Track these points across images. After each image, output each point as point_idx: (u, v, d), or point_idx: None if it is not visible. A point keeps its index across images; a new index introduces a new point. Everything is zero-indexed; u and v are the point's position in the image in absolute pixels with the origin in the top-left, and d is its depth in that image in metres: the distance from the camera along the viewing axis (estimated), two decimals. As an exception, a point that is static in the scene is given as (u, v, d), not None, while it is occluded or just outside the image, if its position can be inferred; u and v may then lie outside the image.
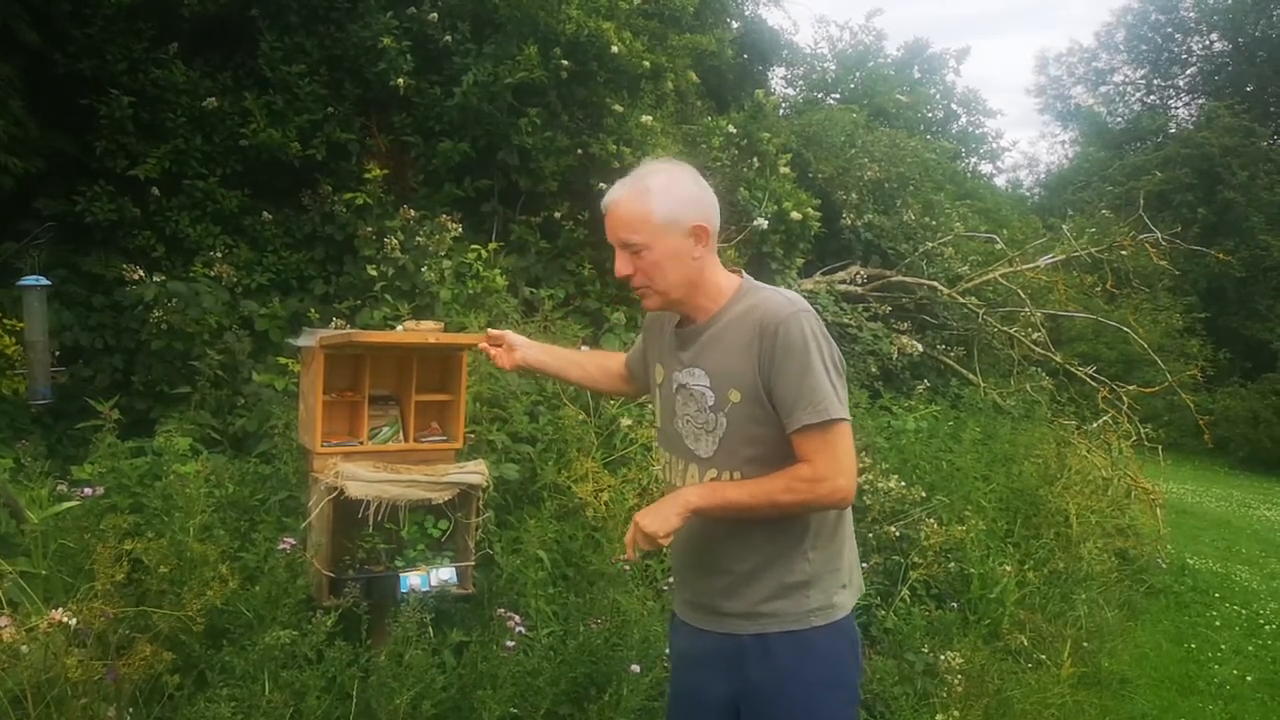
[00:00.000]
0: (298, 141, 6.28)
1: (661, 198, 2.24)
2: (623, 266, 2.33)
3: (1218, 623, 6.85)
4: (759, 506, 2.18)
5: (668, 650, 2.81)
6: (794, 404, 2.13)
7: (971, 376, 9.70)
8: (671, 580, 2.84)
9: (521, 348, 2.75)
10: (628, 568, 4.09)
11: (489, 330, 2.81)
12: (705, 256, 2.31)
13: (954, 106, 25.10)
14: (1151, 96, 35.04)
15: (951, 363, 10.14)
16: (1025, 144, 68.80)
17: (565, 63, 6.74)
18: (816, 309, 8.47)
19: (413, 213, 6.28)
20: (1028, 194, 34.06)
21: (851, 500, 2.20)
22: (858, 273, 10.44)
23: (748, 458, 2.23)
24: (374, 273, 5.95)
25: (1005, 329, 10.30)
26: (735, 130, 8.89)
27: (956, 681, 4.55)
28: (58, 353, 5.16)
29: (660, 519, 2.17)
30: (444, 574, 3.44)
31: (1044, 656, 5.39)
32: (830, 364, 2.17)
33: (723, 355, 2.25)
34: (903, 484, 5.67)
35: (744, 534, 2.28)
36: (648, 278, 2.30)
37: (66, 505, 3.25)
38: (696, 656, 2.44)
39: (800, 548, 2.27)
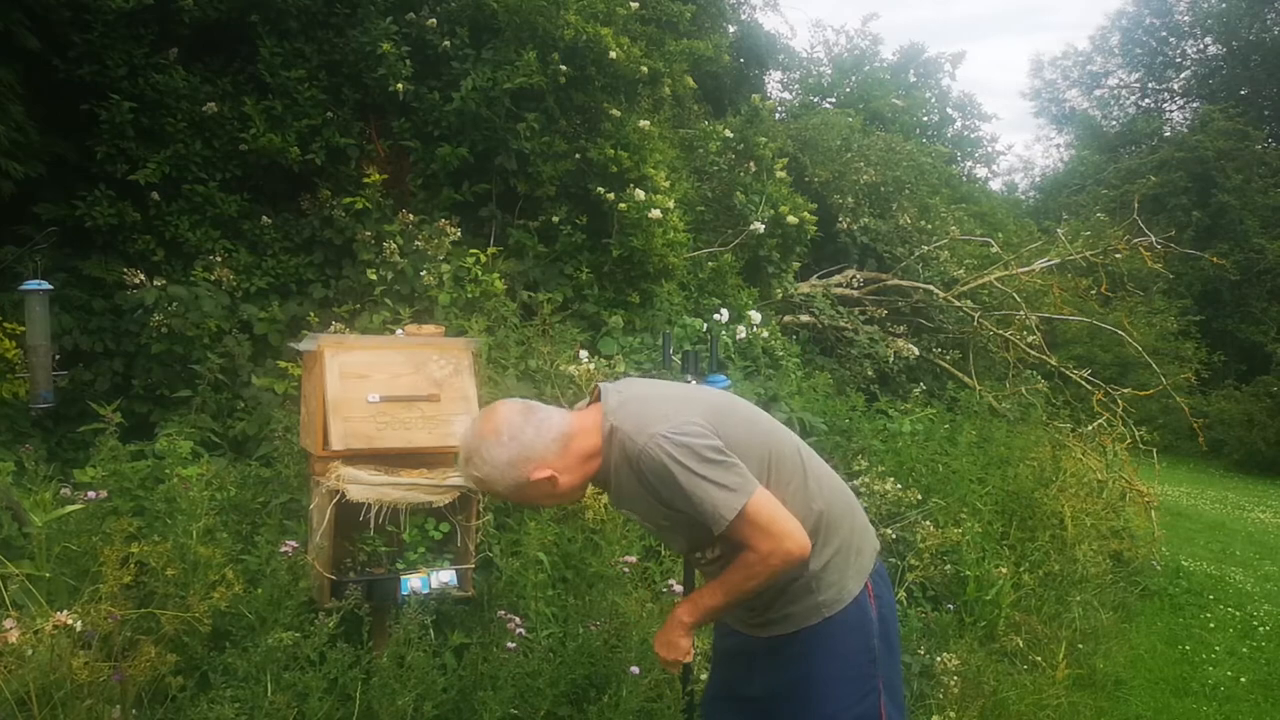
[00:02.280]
0: (297, 146, 6.30)
1: (489, 453, 2.30)
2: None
3: (1212, 625, 6.88)
4: (735, 599, 2.35)
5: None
6: (703, 516, 2.22)
7: (967, 379, 9.74)
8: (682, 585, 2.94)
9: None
10: (626, 570, 4.12)
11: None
12: (565, 470, 2.34)
13: (949, 110, 25.08)
14: (1146, 100, 35.16)
15: (947, 366, 10.18)
16: (1020, 148, 68.84)
17: (563, 68, 6.77)
18: (813, 312, 8.40)
19: (411, 217, 6.30)
20: (1023, 197, 34.09)
21: (805, 551, 2.25)
22: (854, 276, 10.50)
23: (709, 538, 2.33)
24: (373, 277, 5.98)
25: (1001, 332, 10.34)
26: (732, 135, 8.93)
27: (953, 683, 4.58)
28: (58, 357, 5.18)
29: (670, 647, 2.45)
30: (444, 576, 3.46)
31: (1039, 658, 5.42)
32: (698, 464, 2.21)
33: (631, 501, 2.39)
34: (899, 487, 5.70)
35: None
36: (519, 504, 2.62)
37: (69, 509, 3.27)
38: (727, 653, 2.63)
39: None
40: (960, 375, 9.92)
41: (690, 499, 2.21)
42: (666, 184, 7.43)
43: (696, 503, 2.20)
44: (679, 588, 3.77)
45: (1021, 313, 10.34)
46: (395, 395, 3.37)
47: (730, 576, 2.31)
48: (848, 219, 10.89)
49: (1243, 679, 5.74)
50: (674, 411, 2.30)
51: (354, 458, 3.31)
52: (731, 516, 2.19)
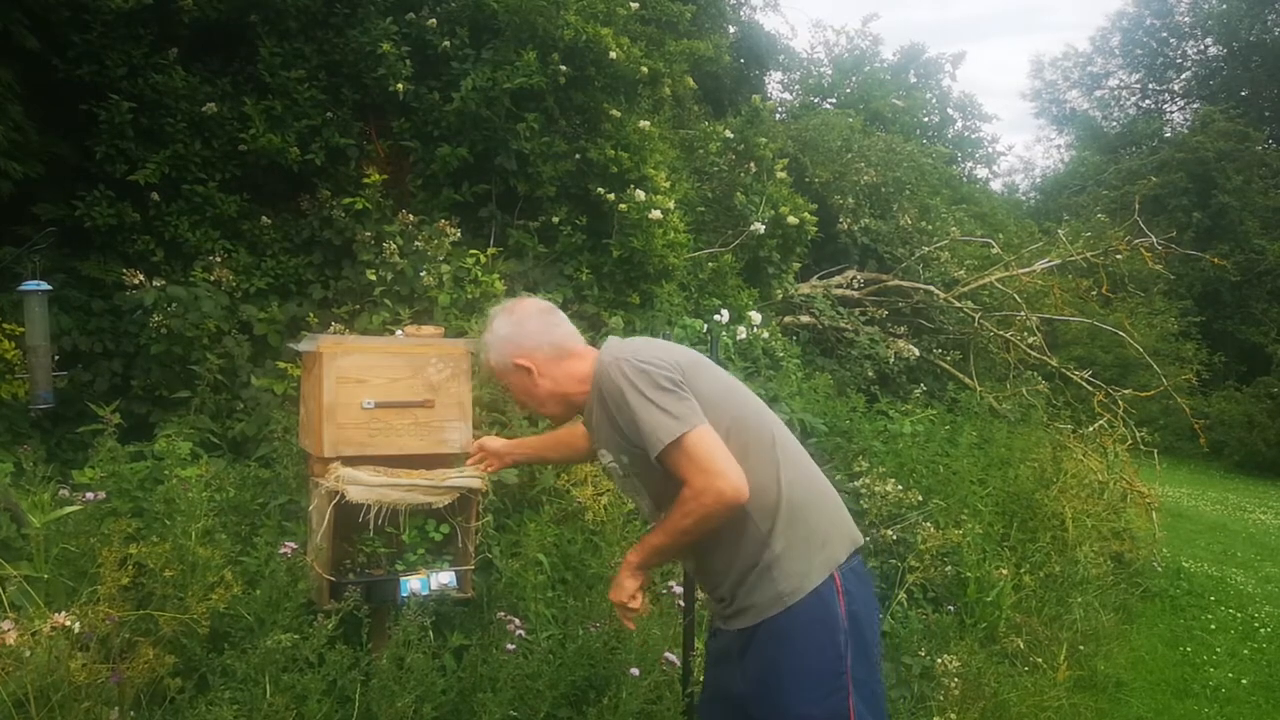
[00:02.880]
0: (296, 146, 6.28)
1: (493, 350, 2.62)
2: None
3: (1213, 626, 6.87)
4: (675, 539, 2.35)
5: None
6: (643, 442, 2.29)
7: (968, 380, 9.73)
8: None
9: (505, 453, 3.04)
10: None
11: (472, 447, 3.05)
12: (549, 368, 2.55)
13: (950, 111, 25.05)
14: (1146, 101, 35.17)
15: (948, 367, 10.17)
16: (1021, 148, 68.69)
17: (563, 68, 6.76)
18: (814, 312, 8.41)
19: (411, 217, 6.29)
20: (1023, 198, 34.07)
21: (741, 494, 2.24)
22: (854, 277, 10.50)
23: (675, 489, 2.33)
24: (373, 277, 5.97)
25: (1001, 333, 10.34)
26: (732, 135, 8.92)
27: (953, 685, 4.57)
28: (57, 357, 5.17)
29: (617, 589, 2.47)
30: (444, 578, 3.46)
31: (1040, 660, 5.42)
32: (651, 389, 2.29)
33: (600, 431, 2.48)
34: (899, 488, 5.69)
35: (709, 554, 2.44)
36: (522, 403, 2.70)
37: (68, 510, 3.27)
38: (715, 653, 2.62)
39: (756, 538, 2.37)
40: (961, 376, 9.91)
41: (635, 421, 2.28)
42: (667, 184, 7.42)
43: (640, 424, 2.27)
44: (679, 588, 3.77)
45: (1022, 313, 10.33)
46: (389, 401, 3.37)
47: (670, 515, 2.32)
48: (848, 220, 10.88)
49: (1244, 681, 5.73)
50: (647, 347, 2.43)
51: (357, 457, 3.31)
52: (668, 440, 2.23)
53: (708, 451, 2.24)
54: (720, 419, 2.33)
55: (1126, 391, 9.67)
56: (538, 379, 2.52)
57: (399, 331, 4.34)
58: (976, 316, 10.15)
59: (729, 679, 2.51)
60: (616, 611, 2.52)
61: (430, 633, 3.33)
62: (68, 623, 2.66)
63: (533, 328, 2.56)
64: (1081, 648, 5.74)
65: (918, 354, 9.72)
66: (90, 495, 3.41)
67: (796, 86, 21.34)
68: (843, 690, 2.33)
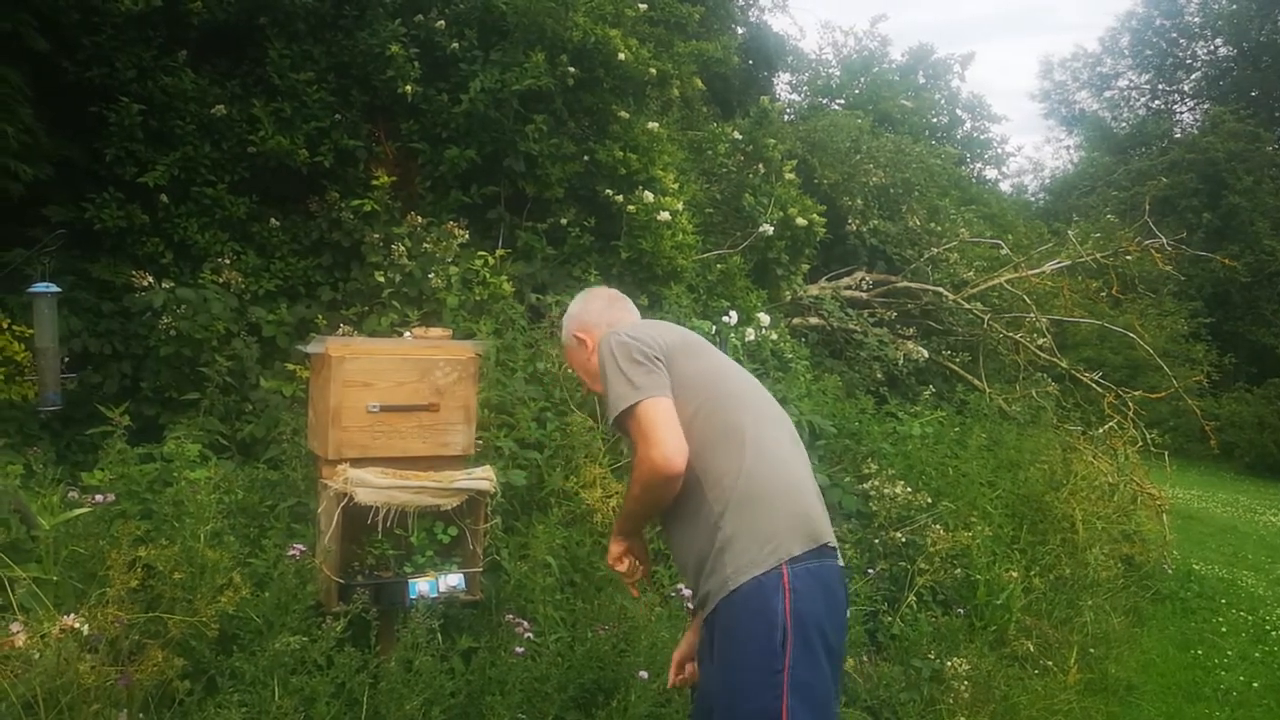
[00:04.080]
0: (305, 148, 6.29)
1: (563, 328, 2.94)
2: None
3: (1224, 629, 6.84)
4: (629, 505, 2.54)
5: None
6: (607, 411, 2.47)
7: (977, 382, 9.70)
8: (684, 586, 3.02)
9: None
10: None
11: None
12: (593, 351, 2.74)
13: (958, 112, 25.03)
14: (1156, 101, 35.01)
15: (957, 368, 10.14)
16: (1030, 149, 68.67)
17: (571, 70, 6.76)
18: (822, 314, 8.39)
19: (420, 219, 6.30)
20: (1033, 199, 33.98)
21: (676, 462, 2.33)
22: (863, 278, 10.47)
23: None
24: (381, 279, 5.97)
25: (1010, 334, 10.31)
26: (740, 136, 8.92)
27: (963, 688, 4.56)
28: (67, 359, 5.17)
29: (608, 555, 2.73)
30: (452, 580, 3.45)
31: (1050, 663, 5.40)
32: (625, 361, 2.45)
33: (604, 402, 2.59)
34: (909, 490, 5.68)
35: (675, 537, 2.54)
36: (580, 381, 2.95)
37: (77, 511, 3.26)
38: (698, 647, 2.67)
39: (710, 521, 2.40)
40: (970, 378, 9.88)
41: (607, 388, 2.45)
42: (675, 186, 7.42)
43: (607, 392, 2.44)
44: (688, 591, 3.76)
45: (1031, 315, 10.30)
46: (394, 404, 3.37)
47: (628, 486, 2.51)
48: (857, 221, 10.86)
49: (1255, 684, 5.71)
50: (645, 325, 2.65)
51: (360, 460, 3.31)
52: (624, 406, 2.38)
53: (651, 421, 2.35)
54: (690, 400, 2.44)
55: (1136, 393, 9.63)
56: (590, 354, 2.73)
57: (407, 333, 4.34)
58: (986, 318, 10.11)
59: (703, 673, 2.60)
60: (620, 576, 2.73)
61: (438, 635, 3.33)
62: (76, 625, 2.65)
63: (595, 307, 2.86)
64: (1092, 651, 5.71)
65: (926, 355, 9.68)
66: (99, 497, 3.41)
67: (805, 88, 21.35)
68: (777, 689, 2.25)
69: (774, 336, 7.37)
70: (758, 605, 2.31)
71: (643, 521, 2.63)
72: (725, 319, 7.05)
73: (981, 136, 26.07)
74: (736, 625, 2.32)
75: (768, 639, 2.28)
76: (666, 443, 2.32)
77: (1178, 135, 31.51)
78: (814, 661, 2.31)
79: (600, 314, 2.82)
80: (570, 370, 2.83)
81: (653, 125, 7.27)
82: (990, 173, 27.29)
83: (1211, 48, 33.49)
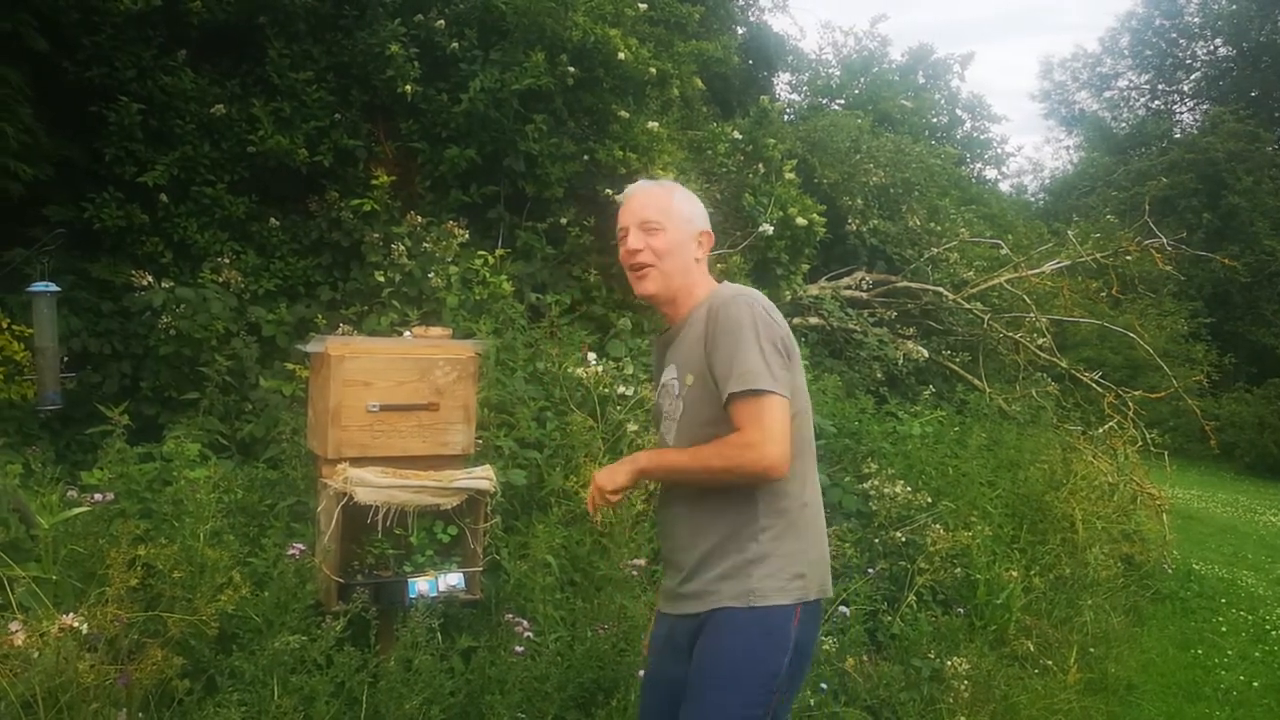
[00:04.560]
0: (305, 148, 6.29)
1: (683, 197, 2.56)
2: (635, 242, 2.50)
3: (1224, 628, 6.84)
4: (695, 469, 2.34)
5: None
6: (726, 376, 2.27)
7: (977, 382, 9.70)
8: None
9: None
10: (635, 573, 4.10)
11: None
12: (701, 264, 2.54)
13: (958, 112, 25.07)
14: (1156, 102, 35.01)
15: (957, 368, 10.14)
16: (1030, 149, 68.78)
17: (571, 69, 6.76)
18: (822, 314, 8.37)
19: (419, 219, 6.30)
20: (1032, 199, 34.00)
21: (781, 471, 2.25)
22: (863, 278, 10.46)
23: (702, 436, 2.34)
24: (381, 279, 5.97)
25: (1010, 334, 10.30)
26: (740, 136, 8.91)
27: (963, 687, 4.56)
28: (66, 359, 5.17)
29: (609, 475, 2.44)
30: (452, 579, 3.45)
31: (1050, 662, 5.39)
32: (768, 342, 2.29)
33: (686, 346, 2.44)
34: (909, 489, 5.67)
35: (697, 519, 2.41)
36: (656, 256, 2.47)
37: (77, 511, 3.27)
38: (660, 640, 2.57)
39: (751, 529, 2.34)
40: (970, 378, 9.88)
41: (734, 354, 2.26)
42: (675, 185, 7.39)
43: (736, 359, 2.26)
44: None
45: (1031, 315, 10.29)
46: (394, 404, 3.37)
47: (704, 449, 2.31)
48: (857, 221, 10.85)
49: (1255, 684, 5.70)
50: (775, 309, 2.41)
51: (360, 459, 3.31)
52: (753, 386, 2.23)
53: (777, 419, 2.24)
54: (793, 407, 2.34)
55: (1136, 393, 9.63)
56: (697, 256, 2.52)
57: (406, 333, 4.34)
58: (986, 318, 10.11)
59: (667, 666, 2.50)
60: (590, 490, 2.47)
61: (438, 634, 3.33)
62: (76, 624, 2.65)
63: (701, 213, 2.62)
64: (1092, 650, 5.71)
65: (926, 355, 9.68)
66: (99, 496, 3.41)
67: (805, 87, 21.34)
68: (761, 708, 2.31)
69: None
70: (771, 628, 2.32)
71: (685, 483, 2.44)
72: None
73: (981, 136, 26.11)
74: (741, 638, 2.32)
75: (774, 661, 2.32)
76: (785, 447, 2.23)
77: (1177, 135, 31.52)
78: (793, 691, 2.46)
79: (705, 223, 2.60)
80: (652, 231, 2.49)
81: (652, 125, 7.27)
82: (990, 173, 27.35)
83: (1211, 48, 33.50)
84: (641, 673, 3.52)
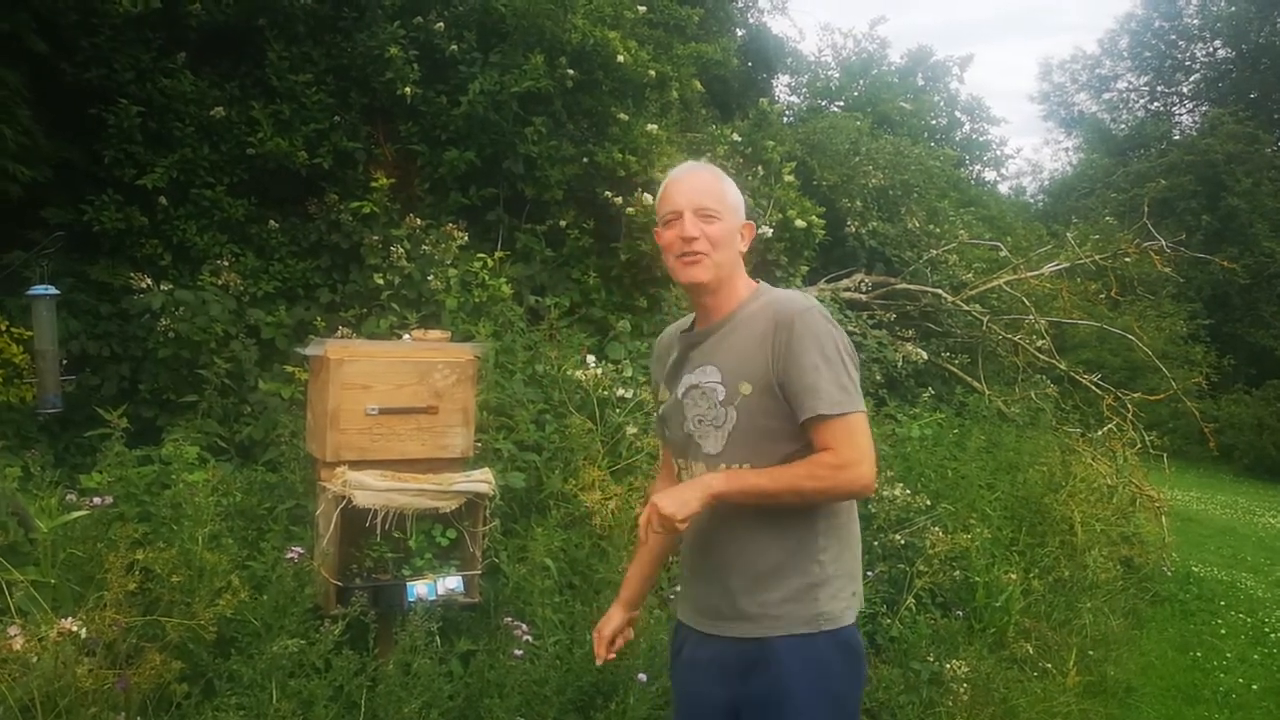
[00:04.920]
0: (304, 150, 6.29)
1: (731, 185, 2.42)
2: (692, 229, 2.34)
3: (1223, 631, 6.84)
4: (782, 492, 2.20)
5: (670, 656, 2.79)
6: (812, 394, 2.17)
7: (976, 384, 9.70)
8: (679, 588, 2.81)
9: (620, 622, 2.69)
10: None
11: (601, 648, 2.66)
12: (742, 253, 2.43)
13: (957, 114, 25.04)
14: (1155, 103, 35.01)
15: (956, 370, 10.13)
16: (1029, 151, 68.62)
17: (571, 72, 6.77)
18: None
19: (419, 221, 6.29)
20: (1031, 201, 33.98)
21: (871, 489, 2.21)
22: (862, 280, 10.45)
23: (756, 451, 2.25)
24: (380, 281, 5.97)
25: (1010, 336, 10.29)
26: (740, 139, 8.91)
27: (962, 690, 4.56)
28: (65, 361, 5.16)
29: (679, 502, 2.15)
30: (451, 583, 3.45)
31: (1049, 665, 5.39)
32: (848, 356, 2.25)
33: (737, 349, 2.30)
34: (908, 492, 5.67)
35: (754, 537, 2.28)
36: (712, 245, 2.34)
37: (75, 514, 3.27)
38: (702, 663, 2.42)
39: (812, 550, 2.26)
40: (969, 379, 9.87)
41: (822, 371, 2.19)
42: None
43: (820, 380, 2.18)
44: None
45: (1030, 317, 10.29)
46: (393, 407, 3.37)
47: (790, 470, 2.19)
48: (856, 223, 10.84)
49: (1254, 686, 5.70)
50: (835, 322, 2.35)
51: (359, 462, 3.31)
52: (842, 410, 2.17)
53: (867, 436, 2.20)
54: None
55: (1135, 395, 9.63)
56: (741, 246, 2.41)
57: (406, 335, 4.33)
58: (985, 320, 10.10)
59: (711, 689, 2.37)
60: (647, 514, 2.19)
61: (437, 638, 3.33)
62: (74, 628, 2.65)
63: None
64: (1091, 653, 5.71)
65: (926, 357, 9.67)
66: (97, 500, 3.41)
67: (804, 90, 21.32)
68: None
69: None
70: (856, 646, 2.32)
71: (770, 503, 2.27)
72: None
73: (980, 138, 26.09)
74: (831, 670, 2.26)
75: (858, 673, 2.35)
76: (874, 462, 2.19)
77: (1177, 137, 31.53)
78: (862, 680, 2.45)
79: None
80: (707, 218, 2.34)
81: (652, 127, 7.27)
82: (989, 174, 27.34)
83: (1210, 50, 33.51)
84: (642, 677, 3.55)
